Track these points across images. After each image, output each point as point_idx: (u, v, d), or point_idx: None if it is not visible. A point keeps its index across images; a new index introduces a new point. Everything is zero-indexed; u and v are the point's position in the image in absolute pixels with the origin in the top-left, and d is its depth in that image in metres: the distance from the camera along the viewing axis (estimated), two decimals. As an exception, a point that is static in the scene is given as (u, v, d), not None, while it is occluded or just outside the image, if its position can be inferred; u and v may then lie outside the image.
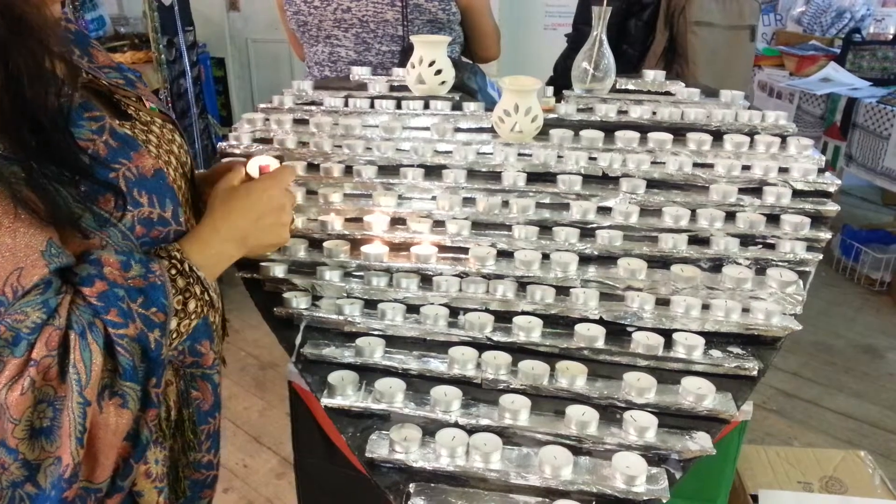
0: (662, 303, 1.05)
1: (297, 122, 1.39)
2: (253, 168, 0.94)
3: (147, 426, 0.74)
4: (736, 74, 2.36)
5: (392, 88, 1.50)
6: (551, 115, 1.36)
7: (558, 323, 1.04)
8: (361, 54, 1.90)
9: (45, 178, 0.65)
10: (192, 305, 0.77)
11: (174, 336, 0.76)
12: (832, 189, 1.19)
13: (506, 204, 1.17)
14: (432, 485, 0.86)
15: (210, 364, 0.87)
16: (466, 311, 1.06)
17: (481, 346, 1.01)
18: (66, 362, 0.65)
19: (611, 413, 0.93)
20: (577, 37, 2.47)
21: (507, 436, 0.90)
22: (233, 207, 0.85)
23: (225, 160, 1.09)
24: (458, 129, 1.34)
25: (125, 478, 0.73)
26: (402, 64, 1.82)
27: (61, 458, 0.65)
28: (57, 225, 0.67)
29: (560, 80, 2.25)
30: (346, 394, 0.95)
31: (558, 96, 1.46)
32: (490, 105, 1.36)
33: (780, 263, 1.10)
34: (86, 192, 0.69)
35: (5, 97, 0.63)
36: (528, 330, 1.01)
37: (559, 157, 1.24)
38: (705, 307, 1.04)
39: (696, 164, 1.22)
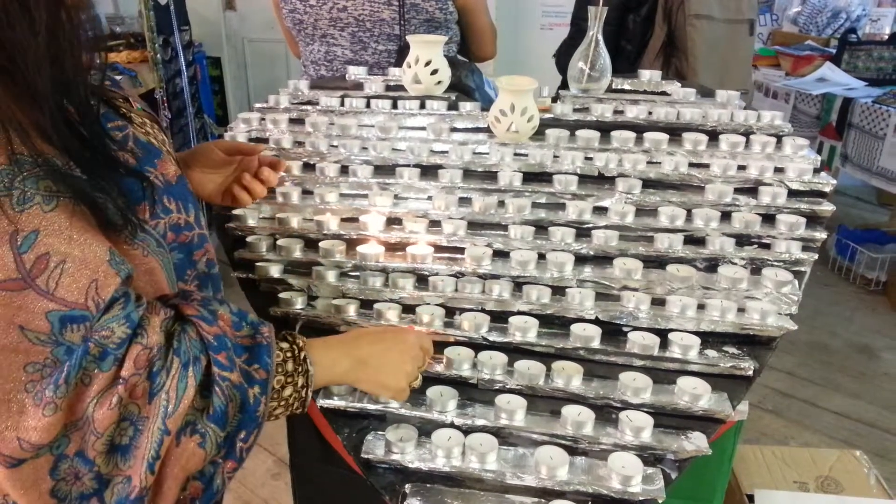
0: (658, 303, 1.05)
1: (293, 121, 1.39)
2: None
3: (223, 476, 0.74)
4: (736, 69, 2.35)
5: (388, 88, 1.49)
6: (547, 115, 1.36)
7: (554, 323, 1.04)
8: (358, 53, 1.90)
9: (98, 189, 0.65)
10: (287, 392, 0.76)
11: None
12: (827, 189, 1.19)
13: (502, 204, 1.17)
14: (428, 485, 0.86)
15: None
16: (462, 311, 1.06)
17: (477, 347, 1.01)
18: (154, 384, 0.65)
19: (607, 413, 0.93)
20: (576, 32, 2.47)
21: (503, 436, 0.90)
22: (367, 333, 0.88)
23: (211, 141, 1.09)
24: (454, 129, 1.34)
25: None
26: (399, 63, 1.82)
27: (131, 479, 0.65)
28: (112, 229, 0.67)
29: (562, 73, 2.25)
30: (341, 394, 0.95)
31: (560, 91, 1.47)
32: (487, 104, 1.36)
33: (776, 263, 1.10)
34: (126, 201, 0.69)
35: (48, 88, 0.63)
36: (524, 330, 1.01)
37: (555, 156, 1.24)
38: (701, 307, 1.04)
39: (691, 164, 1.22)
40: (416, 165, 1.24)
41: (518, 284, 1.07)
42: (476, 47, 2.01)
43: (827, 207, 1.16)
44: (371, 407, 0.93)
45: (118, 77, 0.92)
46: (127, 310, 0.65)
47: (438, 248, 1.13)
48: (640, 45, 2.30)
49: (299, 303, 1.07)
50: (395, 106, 1.39)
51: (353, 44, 1.88)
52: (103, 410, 0.63)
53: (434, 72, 1.39)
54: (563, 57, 2.44)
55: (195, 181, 1.01)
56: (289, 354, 0.77)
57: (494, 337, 1.02)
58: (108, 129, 0.71)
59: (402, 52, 1.84)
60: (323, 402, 0.94)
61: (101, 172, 0.67)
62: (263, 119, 1.38)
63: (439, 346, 1.01)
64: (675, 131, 1.29)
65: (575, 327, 1.01)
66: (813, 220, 1.15)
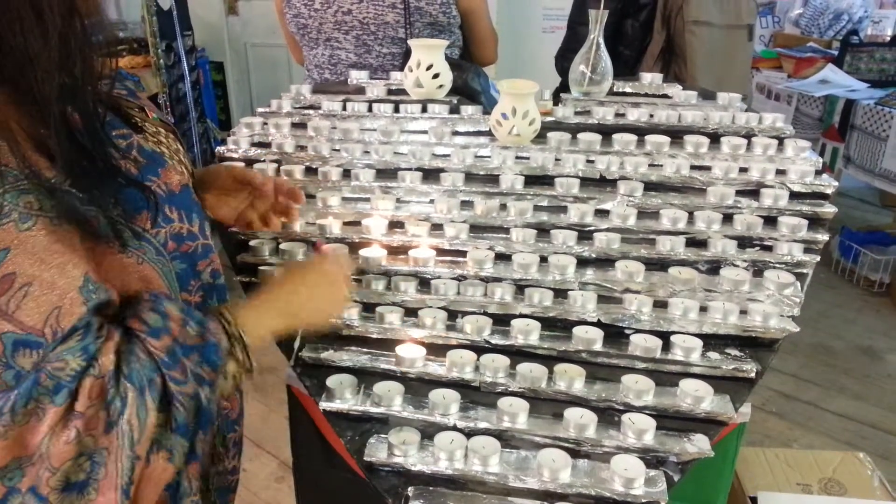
0: (660, 305, 1.05)
1: (295, 125, 1.39)
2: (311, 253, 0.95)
3: (188, 478, 0.74)
4: (734, 74, 2.34)
5: (390, 92, 1.50)
6: (549, 119, 1.36)
7: (556, 326, 1.05)
8: (362, 57, 1.90)
9: (89, 201, 0.64)
10: (231, 367, 0.76)
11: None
12: (829, 191, 1.19)
13: (504, 207, 1.17)
14: (431, 488, 0.86)
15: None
16: (464, 314, 1.06)
17: (479, 349, 1.01)
18: (110, 414, 0.63)
19: (609, 415, 0.93)
20: (572, 35, 2.46)
21: (506, 439, 0.90)
22: (286, 281, 0.87)
23: (223, 164, 1.10)
24: (455, 133, 1.34)
25: None
26: (404, 67, 1.82)
27: None
28: (100, 240, 0.66)
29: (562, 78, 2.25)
30: (344, 397, 0.95)
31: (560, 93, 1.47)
32: (492, 107, 1.36)
33: (778, 265, 1.10)
34: (124, 212, 0.69)
35: (55, 95, 0.63)
36: (527, 333, 1.01)
37: (557, 159, 1.24)
38: (703, 309, 1.04)
39: (693, 167, 1.23)
40: (418, 169, 1.24)
41: (520, 287, 1.08)
42: (478, 52, 2.01)
43: (829, 209, 1.16)
44: (374, 410, 0.94)
45: (131, 86, 0.92)
46: (85, 342, 0.63)
47: (440, 252, 1.13)
48: (639, 50, 2.28)
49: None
50: (396, 110, 1.40)
51: (358, 47, 1.88)
52: (59, 446, 0.61)
53: (436, 76, 1.39)
54: (560, 60, 2.44)
55: (209, 203, 1.02)
56: (223, 332, 0.75)
57: (497, 340, 1.02)
58: (111, 137, 0.71)
59: (408, 55, 1.85)
60: (326, 405, 0.94)
61: (98, 182, 0.66)
62: (266, 123, 1.39)
63: (442, 350, 1.01)
64: (676, 134, 1.29)
65: (577, 330, 1.01)
66: (815, 222, 1.15)
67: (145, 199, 0.71)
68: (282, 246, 1.15)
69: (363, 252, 1.12)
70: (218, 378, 0.73)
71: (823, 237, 1.12)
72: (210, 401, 0.72)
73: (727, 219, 1.14)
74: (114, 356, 0.65)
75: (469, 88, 1.56)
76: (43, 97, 0.62)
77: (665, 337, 1.01)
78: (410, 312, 1.07)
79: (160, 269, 0.74)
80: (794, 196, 1.18)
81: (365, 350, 1.04)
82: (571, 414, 0.90)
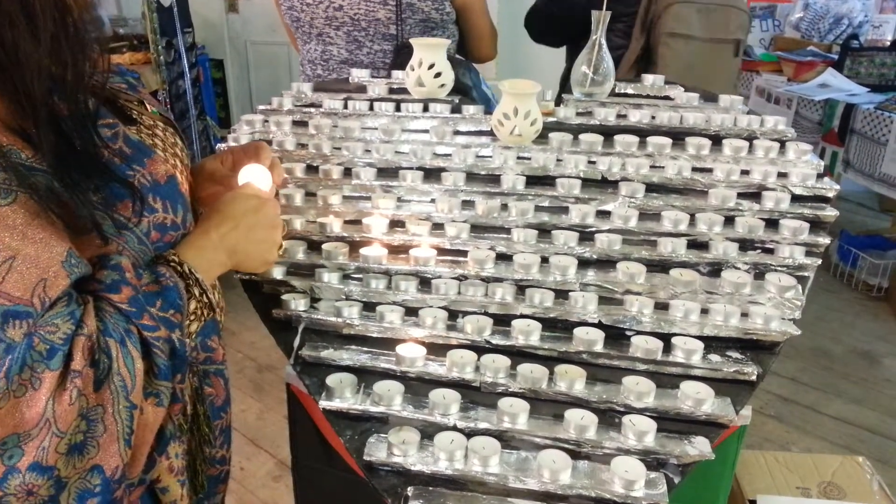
0: (661, 307, 1.05)
1: (296, 123, 1.39)
2: (246, 176, 0.93)
3: (171, 420, 0.76)
4: (714, 89, 2.28)
5: (391, 91, 1.50)
6: (550, 119, 1.36)
7: (557, 326, 1.04)
8: (353, 53, 1.89)
9: (69, 186, 0.65)
10: (192, 306, 0.78)
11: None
12: (831, 194, 1.19)
13: (505, 207, 1.17)
14: (430, 488, 0.85)
15: (221, 359, 0.90)
16: (465, 314, 1.06)
17: (480, 350, 1.00)
18: (99, 370, 0.65)
19: (609, 417, 0.93)
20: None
21: (506, 439, 0.90)
22: (226, 215, 0.86)
23: (212, 156, 1.09)
24: (457, 132, 1.34)
25: (148, 471, 0.75)
26: (395, 64, 1.80)
27: (100, 467, 0.65)
28: (80, 232, 0.66)
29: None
30: (344, 396, 0.95)
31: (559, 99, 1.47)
32: (483, 102, 1.36)
33: (779, 268, 1.10)
34: (105, 199, 0.69)
35: (44, 93, 0.63)
36: (527, 333, 1.01)
37: (558, 160, 1.24)
38: (704, 311, 1.04)
39: (695, 169, 1.22)
40: (419, 168, 1.24)
41: (521, 288, 1.07)
42: (475, 48, 1.99)
43: (830, 213, 1.16)
44: (373, 409, 0.93)
45: (133, 81, 0.91)
46: (70, 307, 0.64)
47: (441, 251, 1.13)
48: (618, 57, 2.23)
49: (302, 305, 1.07)
50: (398, 108, 1.39)
51: (349, 43, 1.87)
52: (63, 407, 0.62)
53: (437, 75, 1.39)
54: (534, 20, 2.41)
55: (205, 195, 1.00)
56: (175, 273, 0.77)
57: (497, 340, 1.02)
58: (97, 128, 0.71)
59: (399, 51, 1.83)
60: (325, 404, 0.94)
61: (80, 171, 0.66)
62: (267, 121, 1.38)
63: (442, 349, 1.01)
64: (678, 136, 1.29)
65: (578, 331, 1.01)
66: (816, 225, 1.15)
67: (128, 189, 0.71)
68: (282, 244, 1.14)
69: (364, 251, 1.12)
70: (184, 319, 0.75)
71: (825, 240, 1.12)
72: (182, 342, 0.73)
73: (728, 221, 1.14)
74: (94, 317, 0.66)
75: (459, 84, 1.56)
76: (29, 93, 0.62)
77: (666, 339, 1.00)
78: (411, 312, 1.06)
79: (142, 258, 0.75)
80: (796, 199, 1.18)
81: (365, 349, 1.03)
82: (572, 415, 0.90)
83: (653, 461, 0.88)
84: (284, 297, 1.08)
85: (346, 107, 1.42)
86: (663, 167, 1.22)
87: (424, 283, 1.10)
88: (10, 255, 0.60)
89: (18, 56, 0.61)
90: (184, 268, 0.78)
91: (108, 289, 0.69)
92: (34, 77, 0.62)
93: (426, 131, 1.34)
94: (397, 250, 1.14)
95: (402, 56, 1.78)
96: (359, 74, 1.59)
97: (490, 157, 1.26)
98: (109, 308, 0.68)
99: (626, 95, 1.50)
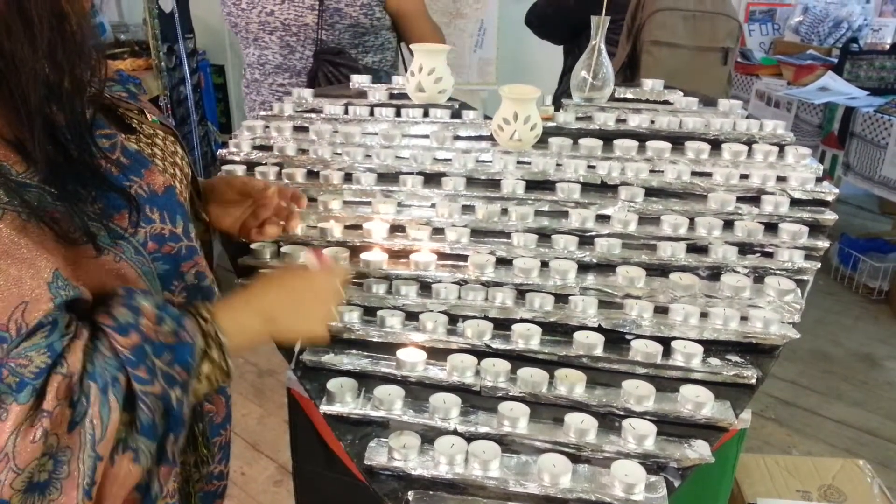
0: (661, 311, 1.05)
1: (296, 129, 1.39)
2: (309, 260, 0.93)
3: (159, 482, 0.72)
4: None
5: (392, 96, 1.50)
6: (550, 124, 1.36)
7: (557, 330, 1.05)
8: (286, 58, 1.88)
9: (64, 196, 0.64)
10: (205, 368, 0.75)
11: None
12: (830, 198, 1.19)
13: (505, 212, 1.17)
14: (431, 492, 0.86)
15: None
16: (465, 318, 1.06)
17: (480, 354, 1.01)
18: (75, 412, 0.63)
19: (610, 421, 0.93)
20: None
21: (506, 443, 0.90)
22: (273, 284, 0.85)
23: (225, 176, 1.10)
24: (457, 137, 1.34)
25: None
26: (313, 69, 1.80)
27: None
28: (73, 243, 0.65)
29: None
30: (344, 401, 0.95)
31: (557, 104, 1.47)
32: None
33: (779, 272, 1.10)
34: (101, 209, 0.68)
35: (41, 101, 0.62)
36: (527, 337, 1.01)
37: (558, 165, 1.24)
38: (704, 315, 1.04)
39: (694, 173, 1.23)
40: (419, 173, 1.25)
41: (521, 292, 1.08)
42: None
43: (829, 216, 1.16)
44: (374, 414, 0.93)
45: (133, 89, 0.92)
46: (50, 339, 0.62)
47: (441, 256, 1.13)
48: None
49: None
50: (398, 114, 1.40)
51: (282, 48, 1.87)
52: (26, 444, 0.60)
53: (438, 80, 1.39)
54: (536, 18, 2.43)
55: (213, 215, 1.02)
56: (199, 332, 0.74)
57: (497, 344, 1.02)
58: (95, 138, 0.70)
59: (318, 56, 1.82)
60: (326, 409, 0.94)
61: (75, 182, 0.65)
62: (268, 127, 1.39)
63: (442, 354, 1.01)
64: (677, 140, 1.30)
65: (578, 335, 1.01)
66: (815, 228, 1.16)
67: (125, 199, 0.70)
68: (283, 249, 1.15)
69: (364, 255, 1.12)
70: (191, 379, 0.72)
71: (824, 244, 1.13)
72: (181, 403, 0.70)
73: (728, 225, 1.15)
74: (81, 354, 0.64)
75: None
76: (25, 101, 0.62)
77: (666, 342, 1.01)
78: (411, 316, 1.07)
79: (140, 268, 0.73)
80: (795, 203, 1.19)
81: (366, 353, 1.04)
82: (572, 419, 0.90)
83: (653, 465, 0.88)
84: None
85: (346, 112, 1.43)
86: (663, 171, 1.23)
87: (425, 287, 1.10)
88: None
89: (15, 63, 0.60)
90: (209, 327, 0.75)
91: (118, 329, 0.67)
92: (30, 84, 0.61)
93: (426, 136, 1.34)
94: (398, 255, 1.14)
95: (318, 62, 1.79)
96: (359, 80, 1.60)
97: (490, 161, 1.27)
98: (107, 350, 0.66)
99: (625, 100, 1.50)
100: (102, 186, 0.68)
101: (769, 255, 1.13)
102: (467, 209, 1.19)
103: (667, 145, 1.27)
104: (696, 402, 0.92)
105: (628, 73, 2.22)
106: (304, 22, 1.80)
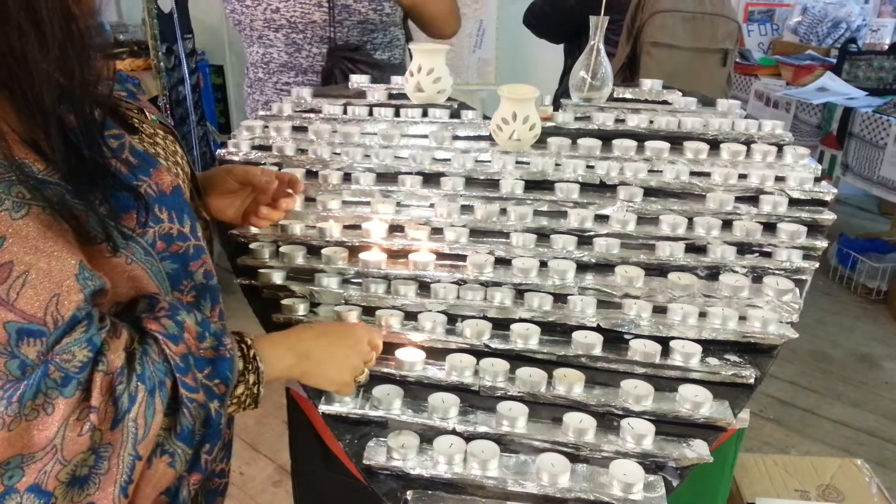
0: (660, 310, 1.05)
1: (295, 129, 1.39)
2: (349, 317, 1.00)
3: (188, 488, 0.75)
4: None
5: (391, 96, 1.50)
6: (549, 124, 1.36)
7: (556, 330, 1.05)
8: (292, 56, 1.86)
9: (80, 196, 0.65)
10: (239, 390, 0.77)
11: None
12: (828, 198, 1.19)
13: (504, 211, 1.17)
14: (430, 492, 0.86)
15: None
16: (464, 318, 1.07)
17: (479, 354, 1.01)
18: (118, 410, 0.65)
19: (608, 420, 0.93)
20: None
21: (505, 443, 0.90)
22: (313, 327, 0.91)
23: (224, 165, 1.11)
24: (456, 137, 1.34)
25: None
26: (327, 67, 1.78)
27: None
28: (90, 242, 0.66)
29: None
30: (343, 401, 0.95)
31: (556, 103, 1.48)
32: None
33: (777, 272, 1.10)
34: (110, 209, 0.69)
35: (54, 102, 0.63)
36: (526, 337, 1.01)
37: (557, 165, 1.24)
38: (702, 315, 1.04)
39: (693, 173, 1.23)
40: (418, 173, 1.25)
41: (520, 292, 1.08)
42: (435, 31, 1.94)
43: (828, 216, 1.16)
44: (373, 414, 0.93)
45: (132, 88, 0.92)
46: (89, 333, 0.64)
47: (440, 256, 1.13)
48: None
49: (301, 309, 1.08)
50: (397, 114, 1.40)
51: (288, 46, 1.85)
52: (73, 437, 0.62)
53: (437, 80, 1.39)
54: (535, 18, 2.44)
55: (215, 206, 1.04)
56: (238, 354, 0.77)
57: (496, 344, 1.02)
58: (105, 139, 0.71)
59: (331, 55, 1.80)
60: (324, 408, 0.94)
61: (88, 182, 0.66)
62: (267, 126, 1.39)
63: (441, 353, 1.01)
64: (676, 140, 1.30)
65: (576, 335, 1.01)
66: (814, 228, 1.16)
67: (134, 199, 0.71)
68: (281, 249, 1.15)
69: (363, 255, 1.12)
70: (228, 394, 0.74)
71: (822, 244, 1.13)
72: (220, 414, 0.73)
73: (726, 225, 1.15)
74: (123, 353, 0.66)
75: None
76: (39, 102, 0.62)
77: (664, 342, 1.01)
78: (410, 316, 1.07)
79: (149, 268, 0.74)
80: (794, 203, 1.19)
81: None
82: (570, 418, 0.90)
83: (651, 464, 0.88)
84: (284, 301, 1.08)
85: (345, 112, 1.43)
86: (661, 171, 1.23)
87: (423, 287, 1.10)
88: (24, 270, 0.60)
89: (27, 64, 0.61)
90: (250, 352, 0.78)
91: (170, 336, 0.69)
92: (43, 86, 0.62)
93: (425, 136, 1.34)
94: (396, 255, 1.14)
95: (334, 59, 1.76)
96: (358, 80, 1.60)
97: (489, 161, 1.27)
98: (157, 356, 0.68)
99: (624, 100, 1.51)
100: (114, 187, 0.69)
101: (768, 254, 1.13)
102: (466, 209, 1.19)
103: (665, 145, 1.27)
104: (694, 401, 0.92)
105: (628, 73, 2.22)
106: (312, 19, 1.78)
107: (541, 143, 1.29)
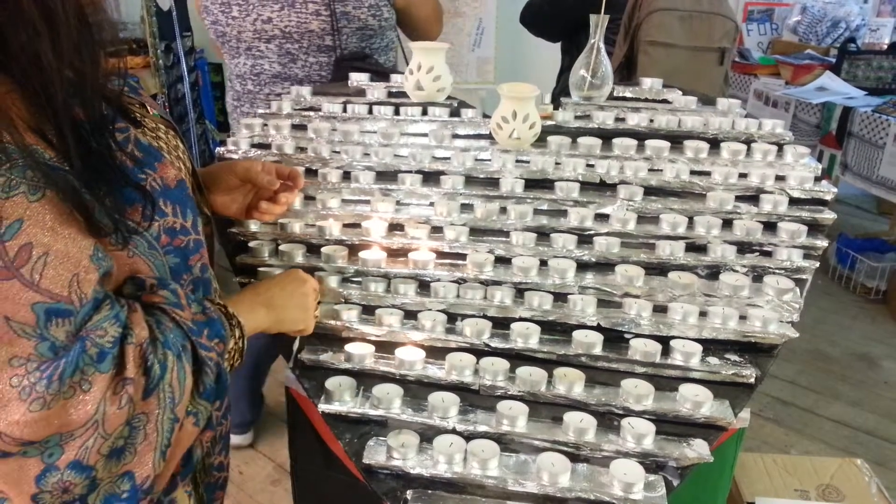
0: (660, 310, 1.05)
1: (295, 127, 1.39)
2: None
3: (201, 446, 0.78)
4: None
5: (390, 95, 1.50)
6: (549, 122, 1.36)
7: (556, 329, 1.04)
8: (287, 66, 1.81)
9: (89, 189, 0.65)
10: (230, 345, 0.80)
11: None
12: (828, 197, 1.19)
13: (504, 210, 1.17)
14: (430, 491, 0.85)
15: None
16: (464, 317, 1.06)
17: (479, 353, 1.01)
18: (150, 379, 0.66)
19: (608, 420, 0.93)
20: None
21: (505, 442, 0.90)
22: (273, 281, 0.97)
23: (224, 162, 1.11)
24: (455, 136, 1.34)
25: (169, 492, 0.76)
26: (336, 76, 1.75)
27: (132, 473, 0.66)
28: (99, 234, 0.67)
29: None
30: (343, 400, 0.95)
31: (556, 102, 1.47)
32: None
33: (777, 271, 1.10)
34: (116, 203, 0.69)
35: (66, 99, 0.64)
36: (526, 336, 1.01)
37: (557, 163, 1.24)
38: (702, 314, 1.04)
39: (693, 172, 1.23)
40: (418, 172, 1.24)
41: (520, 291, 1.08)
42: (420, 34, 1.93)
43: (828, 215, 1.16)
44: (373, 413, 0.93)
45: (134, 83, 0.93)
46: (115, 309, 0.66)
47: (440, 254, 1.13)
48: None
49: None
50: (397, 112, 1.40)
51: (282, 56, 1.80)
52: (114, 411, 0.63)
53: (436, 78, 1.39)
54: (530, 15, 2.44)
55: (219, 202, 1.06)
56: (220, 312, 0.80)
57: (496, 343, 1.02)
58: (112, 133, 0.71)
59: (339, 65, 1.76)
60: (324, 408, 0.94)
61: (96, 176, 0.66)
62: (266, 125, 1.39)
63: (441, 352, 1.01)
64: (676, 139, 1.30)
65: (577, 334, 1.01)
66: (814, 228, 1.16)
67: (140, 193, 0.72)
68: (281, 247, 1.15)
69: (363, 254, 1.12)
70: (226, 351, 0.78)
71: (822, 243, 1.13)
72: (226, 372, 0.76)
73: (727, 224, 1.15)
74: (146, 325, 0.68)
75: None
76: (50, 97, 0.63)
77: (665, 341, 1.01)
78: (410, 315, 1.07)
79: (152, 261, 0.75)
80: (794, 202, 1.18)
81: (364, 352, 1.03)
82: (571, 418, 0.90)
83: (652, 464, 0.88)
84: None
85: (345, 110, 1.42)
86: (661, 170, 1.23)
87: (423, 286, 1.10)
88: (44, 252, 0.61)
89: (41, 63, 0.62)
90: (228, 310, 0.81)
91: (174, 304, 0.72)
92: (55, 83, 0.63)
93: (425, 135, 1.34)
94: (396, 253, 1.14)
95: (342, 70, 1.72)
96: (358, 78, 1.59)
97: (489, 160, 1.27)
98: (170, 322, 0.71)
99: (624, 99, 1.50)
100: (120, 181, 0.70)
101: (768, 254, 1.12)
102: (466, 208, 1.19)
103: (666, 144, 1.27)
104: (694, 401, 0.92)
105: (625, 72, 2.22)
106: (309, 28, 1.74)
107: (541, 141, 1.29)
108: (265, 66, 1.83)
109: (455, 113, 1.40)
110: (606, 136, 1.30)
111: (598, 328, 1.03)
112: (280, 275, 1.00)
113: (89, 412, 0.62)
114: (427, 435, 0.90)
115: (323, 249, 1.14)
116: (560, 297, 1.06)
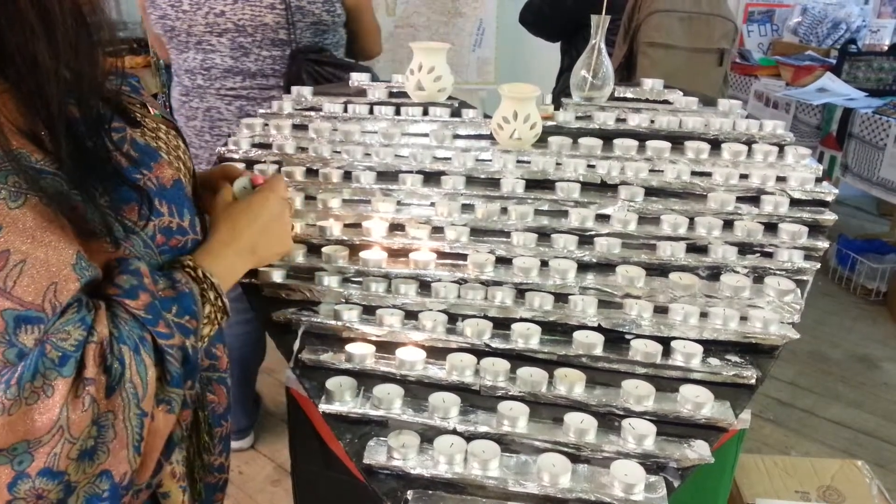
0: (661, 310, 1.05)
1: (296, 127, 1.39)
2: (242, 184, 0.96)
3: (180, 426, 0.77)
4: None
5: (391, 95, 1.50)
6: (550, 123, 1.36)
7: (557, 330, 1.04)
8: (239, 60, 1.80)
9: (81, 190, 0.65)
10: (206, 310, 0.78)
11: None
12: (829, 198, 1.19)
13: (504, 211, 1.17)
14: (430, 492, 0.85)
15: (224, 368, 0.90)
16: (465, 317, 1.06)
17: (480, 353, 1.00)
18: (111, 377, 0.65)
19: (609, 421, 0.93)
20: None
21: (506, 443, 0.89)
22: (237, 220, 0.88)
23: (223, 164, 1.11)
24: (456, 136, 1.34)
25: (156, 475, 0.75)
26: (290, 72, 1.76)
27: (110, 472, 0.65)
28: (90, 236, 0.66)
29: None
30: (343, 400, 0.95)
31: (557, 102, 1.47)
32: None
33: (778, 272, 1.10)
34: (112, 202, 0.69)
35: (61, 99, 0.63)
36: (527, 337, 1.01)
37: (558, 164, 1.24)
38: (703, 315, 1.04)
39: (694, 173, 1.23)
40: (418, 172, 1.24)
41: (520, 291, 1.07)
42: (364, 46, 1.97)
43: (829, 217, 1.16)
44: (373, 413, 0.93)
45: (135, 83, 0.93)
46: (81, 313, 0.64)
47: (441, 255, 1.13)
48: None
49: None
50: (397, 112, 1.40)
51: (234, 50, 1.79)
52: (77, 414, 0.62)
53: (437, 79, 1.39)
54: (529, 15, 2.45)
55: (209, 204, 1.02)
56: (191, 279, 0.77)
57: (497, 343, 1.02)
58: (108, 132, 0.71)
59: (294, 58, 1.77)
60: (325, 408, 0.94)
61: (90, 176, 0.66)
62: (266, 124, 1.39)
63: (442, 353, 1.01)
64: (677, 140, 1.30)
65: (577, 334, 1.01)
66: (815, 229, 1.16)
67: (136, 192, 0.72)
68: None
69: (363, 254, 1.12)
70: (199, 325, 0.75)
71: (823, 244, 1.13)
72: (196, 349, 0.74)
73: (728, 225, 1.15)
74: (106, 321, 0.66)
75: None
76: (46, 97, 0.63)
77: (665, 342, 1.01)
78: (410, 315, 1.07)
79: (147, 261, 0.74)
80: (795, 203, 1.18)
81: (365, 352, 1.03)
82: (571, 418, 0.90)
83: (652, 465, 0.88)
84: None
85: (345, 110, 1.42)
86: (662, 171, 1.23)
87: (424, 286, 1.10)
88: (21, 259, 0.60)
89: (37, 66, 0.61)
90: (198, 272, 0.78)
91: (127, 294, 0.69)
92: (52, 85, 0.62)
93: (426, 135, 1.34)
94: (397, 254, 1.14)
95: (297, 63, 1.74)
96: (358, 78, 1.59)
97: (490, 160, 1.26)
98: (125, 315, 0.68)
99: (625, 99, 1.50)
100: (115, 180, 0.69)
101: (769, 255, 1.12)
102: (467, 208, 1.19)
103: (666, 145, 1.27)
104: (695, 402, 0.92)
105: (625, 73, 2.23)
106: (263, 21, 1.73)
107: (541, 142, 1.29)
108: (216, 60, 1.82)
109: (456, 113, 1.40)
110: (607, 137, 1.30)
111: (598, 329, 1.03)
112: (248, 204, 0.90)
113: (53, 418, 0.61)
114: (428, 435, 0.90)
115: (324, 249, 1.13)
116: (561, 298, 1.06)
